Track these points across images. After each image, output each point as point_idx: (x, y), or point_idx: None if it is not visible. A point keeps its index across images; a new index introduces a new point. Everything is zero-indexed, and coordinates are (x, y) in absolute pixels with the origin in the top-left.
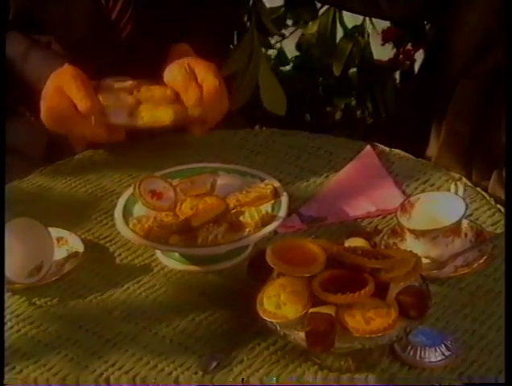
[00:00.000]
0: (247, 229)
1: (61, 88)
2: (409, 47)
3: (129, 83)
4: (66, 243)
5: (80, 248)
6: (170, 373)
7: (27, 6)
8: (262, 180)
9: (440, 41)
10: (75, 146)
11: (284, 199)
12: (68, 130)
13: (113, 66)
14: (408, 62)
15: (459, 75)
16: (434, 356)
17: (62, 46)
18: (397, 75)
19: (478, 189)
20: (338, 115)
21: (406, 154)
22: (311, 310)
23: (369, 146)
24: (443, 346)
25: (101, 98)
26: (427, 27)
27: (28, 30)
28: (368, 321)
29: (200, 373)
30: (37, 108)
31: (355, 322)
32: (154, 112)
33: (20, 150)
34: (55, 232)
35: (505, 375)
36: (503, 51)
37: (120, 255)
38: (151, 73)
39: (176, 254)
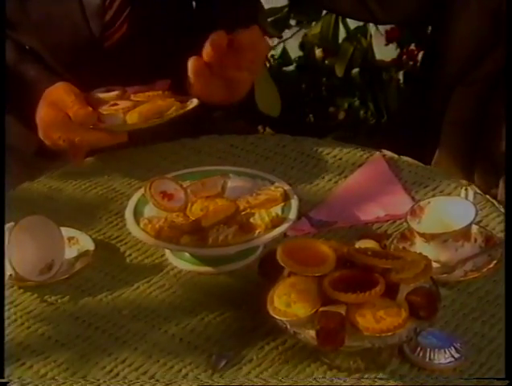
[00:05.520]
0: (257, 231)
1: (55, 104)
2: (412, 47)
3: (115, 92)
4: (77, 242)
5: (91, 247)
6: (179, 371)
7: (10, 8)
8: (272, 183)
9: (436, 45)
10: (73, 158)
11: (294, 202)
12: (69, 141)
13: (103, 73)
14: (412, 62)
15: (455, 81)
16: (443, 358)
17: (47, 50)
18: (400, 75)
19: (487, 196)
20: (341, 115)
21: (415, 161)
22: (321, 309)
23: (378, 153)
24: (452, 348)
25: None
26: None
27: (13, 32)
28: (378, 320)
29: (210, 371)
30: (27, 116)
31: (365, 321)
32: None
33: (11, 146)
34: (66, 231)
35: (506, 374)
36: (499, 56)
37: (130, 255)
38: (143, 83)
39: (186, 255)
